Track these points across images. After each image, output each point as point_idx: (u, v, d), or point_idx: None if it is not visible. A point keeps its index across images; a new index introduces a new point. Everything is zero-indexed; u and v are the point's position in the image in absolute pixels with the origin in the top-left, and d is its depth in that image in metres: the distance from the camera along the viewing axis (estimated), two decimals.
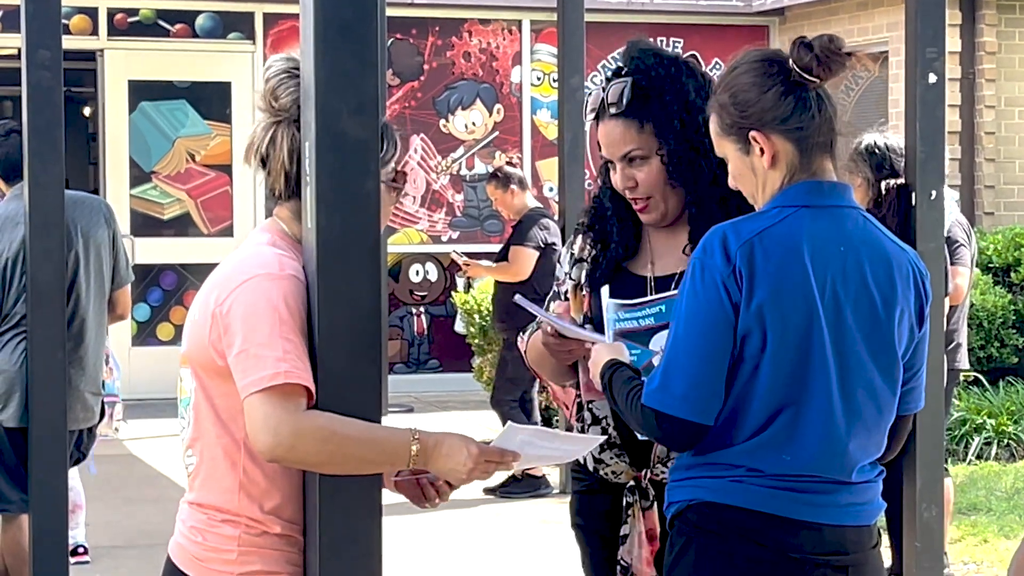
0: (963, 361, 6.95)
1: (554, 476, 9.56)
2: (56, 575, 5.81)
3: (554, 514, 8.83)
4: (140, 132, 13.59)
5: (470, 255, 10.64)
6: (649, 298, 3.43)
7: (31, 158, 5.85)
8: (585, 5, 9.65)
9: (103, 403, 6.47)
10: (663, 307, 3.37)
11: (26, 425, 6.00)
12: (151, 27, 13.65)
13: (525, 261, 9.42)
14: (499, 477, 9.31)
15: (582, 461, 3.68)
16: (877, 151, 6.36)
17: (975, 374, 10.66)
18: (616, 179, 3.56)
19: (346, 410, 2.95)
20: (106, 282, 6.40)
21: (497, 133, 14.36)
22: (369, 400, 2.99)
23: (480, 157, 14.27)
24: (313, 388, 2.94)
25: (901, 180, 6.14)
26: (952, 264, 6.53)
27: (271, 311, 2.96)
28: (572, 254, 3.72)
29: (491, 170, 10.67)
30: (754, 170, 3.14)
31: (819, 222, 3.08)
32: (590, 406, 3.62)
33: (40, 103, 5.86)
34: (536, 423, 9.44)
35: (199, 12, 13.72)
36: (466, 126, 14.29)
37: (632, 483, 3.57)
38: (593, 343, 3.39)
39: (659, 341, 3.32)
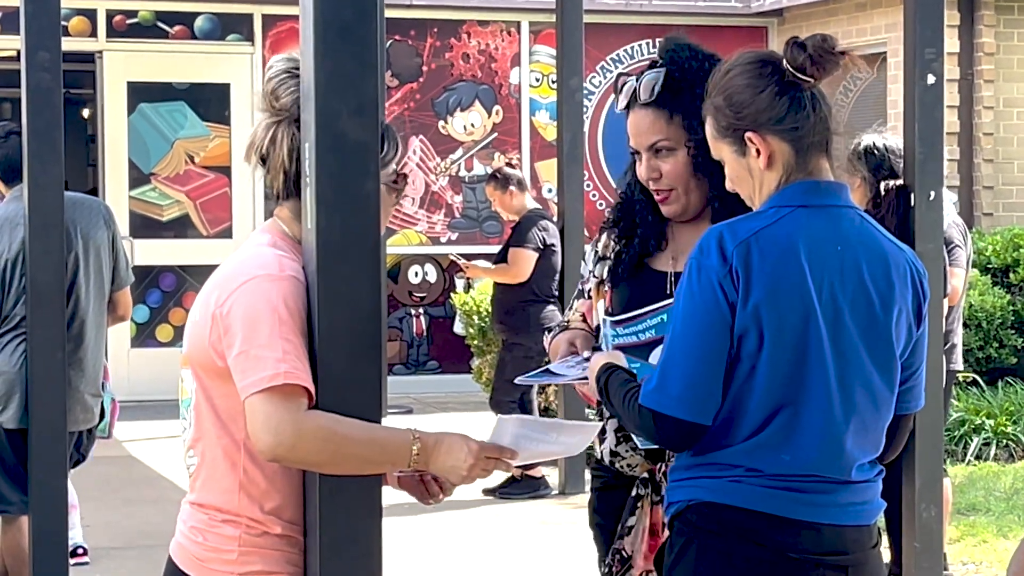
0: (958, 362, 6.96)
1: (553, 477, 9.56)
2: None
3: (553, 515, 8.84)
4: (139, 134, 13.59)
5: (468, 256, 10.65)
6: (645, 310, 3.42)
7: (31, 159, 5.86)
8: (584, 6, 9.67)
9: (102, 405, 6.48)
10: (664, 317, 3.36)
11: (26, 426, 6.01)
12: (150, 29, 13.66)
13: (524, 262, 9.42)
14: (498, 478, 9.31)
15: (599, 456, 3.68)
16: (876, 152, 6.37)
17: (973, 375, 10.67)
18: (641, 170, 3.56)
19: (346, 411, 2.96)
20: (105, 283, 6.41)
21: (496, 134, 14.37)
22: (369, 401, 3.00)
23: (479, 158, 14.28)
24: (312, 389, 2.95)
25: (900, 181, 6.14)
26: (948, 265, 6.53)
27: (271, 312, 2.97)
28: (596, 251, 3.74)
29: (490, 171, 10.67)
30: (750, 171, 3.14)
31: (816, 222, 3.08)
32: None
33: (39, 105, 5.87)
34: None
35: (198, 14, 13.73)
36: (465, 127, 14.29)
37: (646, 475, 3.57)
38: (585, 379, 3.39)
39: (658, 355, 3.31)
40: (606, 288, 3.65)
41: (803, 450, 3.04)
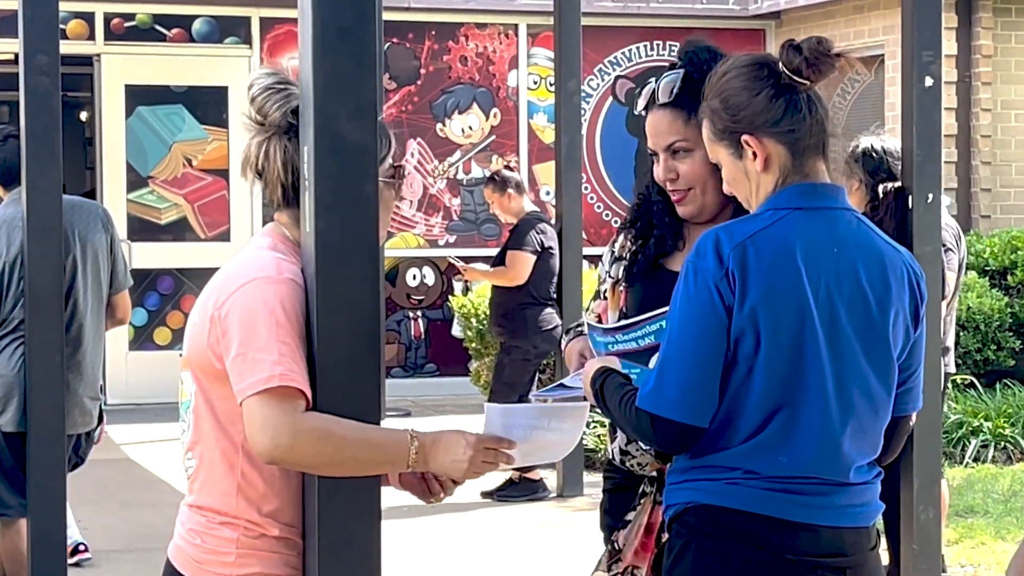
0: (951, 364, 6.96)
1: (551, 480, 9.56)
2: None
3: (551, 518, 8.84)
4: (137, 137, 13.59)
5: (466, 259, 10.65)
6: (642, 317, 3.42)
7: (29, 162, 5.87)
8: (581, 9, 9.67)
9: (100, 408, 6.48)
10: (663, 323, 3.37)
11: (24, 430, 6.01)
12: (148, 32, 13.66)
13: (522, 265, 9.42)
14: (496, 481, 9.32)
15: (609, 455, 3.69)
16: (874, 155, 6.37)
17: (971, 377, 10.68)
18: (658, 171, 3.58)
19: (345, 413, 2.96)
20: (104, 287, 6.41)
21: (494, 137, 14.37)
22: (368, 403, 3.00)
23: (477, 161, 14.28)
24: (309, 392, 2.96)
25: (898, 184, 6.14)
26: None
27: (268, 315, 2.97)
28: (613, 252, 3.76)
29: (488, 174, 10.68)
30: (747, 174, 3.15)
31: (812, 224, 3.09)
32: None
33: (37, 108, 5.87)
34: None
35: (196, 17, 13.73)
36: (463, 130, 14.29)
37: (655, 474, 3.58)
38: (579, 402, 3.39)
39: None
40: (621, 288, 3.67)
41: (800, 452, 3.04)
